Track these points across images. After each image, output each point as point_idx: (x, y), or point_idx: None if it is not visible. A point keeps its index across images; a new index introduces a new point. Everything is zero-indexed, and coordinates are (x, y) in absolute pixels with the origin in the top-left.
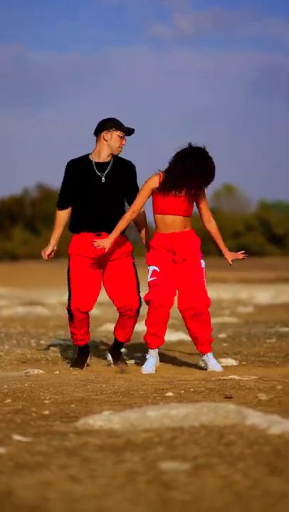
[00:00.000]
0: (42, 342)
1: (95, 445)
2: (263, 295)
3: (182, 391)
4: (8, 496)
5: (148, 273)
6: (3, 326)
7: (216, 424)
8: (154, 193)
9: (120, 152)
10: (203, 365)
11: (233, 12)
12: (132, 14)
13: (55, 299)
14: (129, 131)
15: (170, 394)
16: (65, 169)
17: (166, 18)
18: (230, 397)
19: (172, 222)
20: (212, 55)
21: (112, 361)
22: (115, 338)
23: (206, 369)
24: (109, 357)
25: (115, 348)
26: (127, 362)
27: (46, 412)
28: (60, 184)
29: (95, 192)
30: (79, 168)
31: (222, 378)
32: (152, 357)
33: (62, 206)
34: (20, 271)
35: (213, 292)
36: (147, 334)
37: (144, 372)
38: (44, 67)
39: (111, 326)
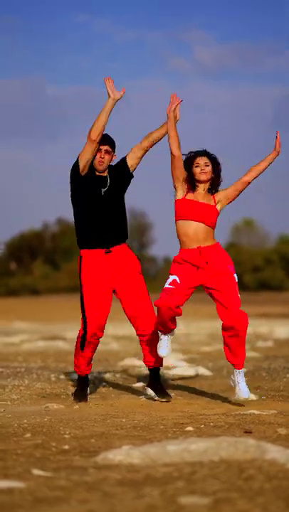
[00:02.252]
0: (62, 377)
1: (114, 480)
2: (283, 330)
3: (202, 425)
4: None
5: (167, 280)
6: (24, 360)
7: (235, 459)
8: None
9: (101, 166)
10: (232, 383)
11: (255, 46)
12: (150, 48)
13: (76, 333)
14: (104, 138)
15: (190, 428)
16: (75, 166)
17: (186, 52)
18: (250, 432)
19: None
20: (233, 89)
21: (154, 395)
22: (149, 368)
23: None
24: (149, 391)
25: (154, 379)
26: (146, 395)
27: (66, 447)
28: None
29: (97, 206)
30: (83, 178)
31: (242, 413)
32: (166, 337)
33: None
34: (40, 305)
35: None
36: (158, 327)
37: (161, 355)
38: (63, 100)
39: (131, 361)
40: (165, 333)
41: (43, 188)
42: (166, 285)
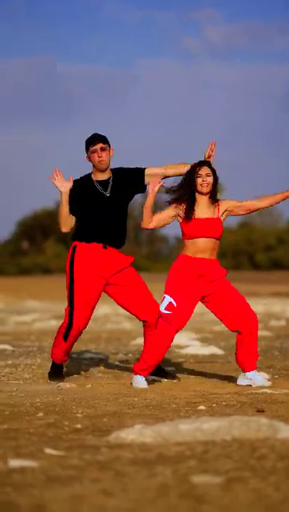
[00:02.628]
0: (74, 355)
1: (127, 459)
2: None
3: (214, 405)
4: (40, 510)
5: (162, 301)
6: (36, 339)
7: (248, 438)
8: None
9: (103, 164)
10: (244, 383)
11: (264, 25)
12: (161, 27)
13: None
14: (93, 137)
15: (202, 407)
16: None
17: (196, 31)
18: (263, 411)
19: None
20: (242, 68)
21: (157, 379)
22: None
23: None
24: (151, 377)
25: (157, 367)
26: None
27: (78, 426)
28: None
29: (100, 208)
30: (81, 187)
31: (254, 392)
32: (141, 378)
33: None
34: (52, 284)
35: None
36: (140, 367)
37: (136, 386)
38: (74, 80)
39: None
40: (144, 375)
41: (55, 165)
42: (163, 309)
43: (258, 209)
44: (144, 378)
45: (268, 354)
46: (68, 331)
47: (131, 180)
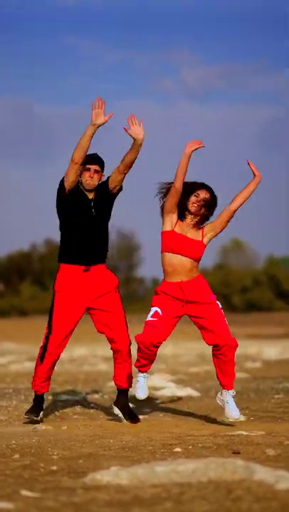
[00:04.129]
0: (50, 397)
1: (103, 500)
2: (272, 351)
3: (190, 446)
4: None
5: (149, 313)
6: (12, 381)
7: (224, 480)
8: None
9: (90, 186)
10: (219, 403)
11: (241, 67)
12: (139, 69)
13: (64, 354)
14: (93, 157)
15: (178, 449)
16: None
17: (174, 73)
18: (239, 453)
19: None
20: (219, 110)
21: (122, 416)
22: (119, 388)
23: (222, 408)
24: (117, 411)
25: (123, 399)
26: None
27: (54, 468)
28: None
29: (86, 226)
30: (72, 196)
31: (230, 434)
32: (143, 377)
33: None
34: (28, 326)
35: None
36: (137, 364)
37: (140, 398)
38: (52, 121)
39: None
40: (143, 371)
41: (31, 209)
42: (149, 318)
43: (236, 210)
44: (142, 381)
45: (243, 396)
46: (44, 351)
47: (103, 193)
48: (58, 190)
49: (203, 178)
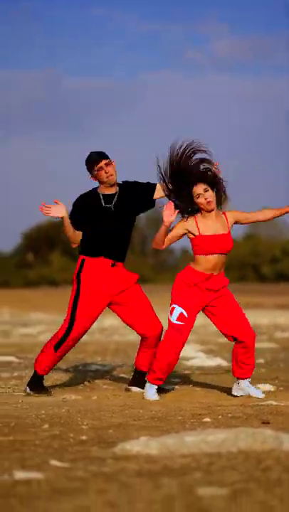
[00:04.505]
0: (80, 367)
1: (132, 470)
2: None
3: (220, 416)
4: None
5: (173, 312)
6: None
7: (253, 450)
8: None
9: (112, 179)
10: (239, 393)
11: (270, 39)
12: (167, 40)
13: (94, 324)
14: (93, 156)
15: (208, 419)
16: (74, 203)
17: (202, 44)
18: (268, 423)
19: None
20: (248, 81)
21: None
22: (139, 370)
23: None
24: (136, 389)
25: (141, 380)
26: (166, 387)
27: (84, 438)
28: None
29: (105, 222)
30: (86, 202)
31: (259, 404)
32: (153, 388)
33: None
34: (58, 296)
35: (250, 317)
36: (153, 377)
37: (147, 397)
38: (79, 93)
39: None
40: (158, 384)
41: (61, 179)
42: (174, 320)
43: (258, 221)
44: (155, 389)
45: (273, 366)
46: (63, 341)
47: (139, 193)
48: (76, 203)
49: (233, 154)
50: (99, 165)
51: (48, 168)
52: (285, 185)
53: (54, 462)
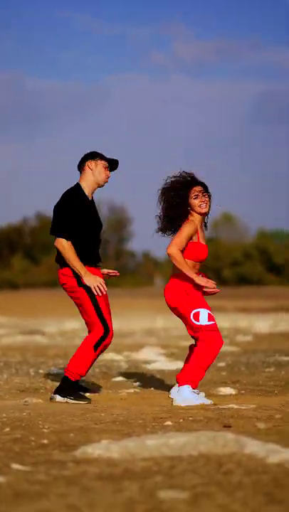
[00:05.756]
0: (41, 371)
1: (93, 474)
2: (262, 324)
3: (181, 420)
4: None
5: (200, 316)
6: (3, 354)
7: (214, 453)
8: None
9: (103, 184)
10: (174, 396)
11: (234, 42)
12: (132, 43)
13: (55, 327)
14: (112, 162)
15: (169, 423)
16: (72, 200)
17: (166, 47)
18: (229, 426)
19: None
20: (212, 84)
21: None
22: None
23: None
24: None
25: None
26: (127, 391)
27: (45, 441)
28: (61, 212)
29: (97, 228)
30: (85, 203)
31: (221, 407)
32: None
33: (70, 238)
34: (19, 299)
35: None
36: (196, 380)
37: (208, 403)
38: (43, 95)
39: (110, 355)
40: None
41: (22, 182)
42: (207, 322)
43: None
44: (192, 391)
45: (234, 369)
46: (104, 339)
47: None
48: (75, 200)
49: (196, 157)
50: (105, 163)
51: (9, 171)
52: (248, 188)
53: (15, 466)
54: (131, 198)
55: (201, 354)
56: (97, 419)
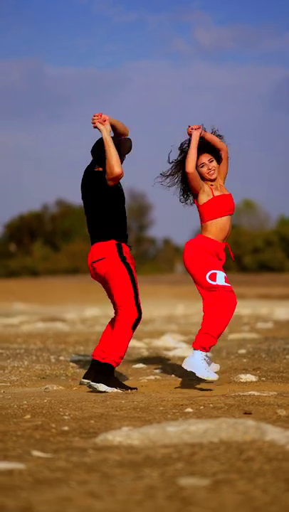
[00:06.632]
0: (61, 358)
1: (114, 461)
2: (283, 311)
3: (201, 407)
4: None
5: (217, 277)
6: (23, 341)
7: (235, 440)
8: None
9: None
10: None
11: (254, 28)
12: (152, 29)
13: (75, 314)
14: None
15: (189, 410)
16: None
17: (186, 34)
18: (250, 413)
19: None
20: (232, 71)
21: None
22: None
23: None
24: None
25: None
26: (148, 378)
27: (66, 428)
28: None
29: (124, 205)
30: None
31: (241, 394)
32: (202, 354)
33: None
34: (40, 287)
35: None
36: (210, 343)
37: (211, 379)
38: (62, 82)
39: (132, 342)
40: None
41: (43, 169)
42: (224, 283)
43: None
44: (204, 356)
45: (255, 356)
46: (138, 320)
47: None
48: (103, 182)
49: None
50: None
51: (30, 158)
52: (268, 175)
53: (36, 453)
54: (151, 185)
55: (218, 316)
56: (117, 406)
